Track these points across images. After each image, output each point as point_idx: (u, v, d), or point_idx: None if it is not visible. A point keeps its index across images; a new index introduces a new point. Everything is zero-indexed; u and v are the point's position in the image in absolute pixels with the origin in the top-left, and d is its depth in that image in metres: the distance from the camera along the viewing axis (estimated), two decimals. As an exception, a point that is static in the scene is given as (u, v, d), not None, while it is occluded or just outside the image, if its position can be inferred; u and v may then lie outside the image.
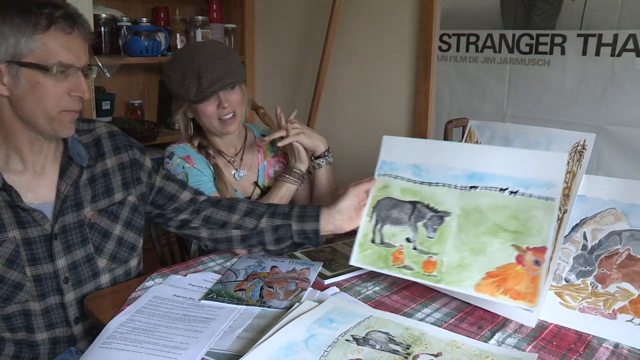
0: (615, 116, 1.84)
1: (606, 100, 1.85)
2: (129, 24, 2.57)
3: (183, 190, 1.44)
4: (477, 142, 1.40)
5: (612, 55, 1.82)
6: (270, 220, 1.37)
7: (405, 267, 1.23)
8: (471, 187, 1.20)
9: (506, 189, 1.17)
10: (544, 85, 1.98)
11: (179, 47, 2.73)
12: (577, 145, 1.26)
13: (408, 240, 1.25)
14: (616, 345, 1.08)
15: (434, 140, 1.34)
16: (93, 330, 1.22)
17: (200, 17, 2.74)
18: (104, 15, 2.47)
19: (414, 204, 1.26)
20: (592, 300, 1.13)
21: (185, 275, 1.33)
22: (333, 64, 2.57)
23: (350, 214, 1.32)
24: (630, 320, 1.09)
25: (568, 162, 1.24)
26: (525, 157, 1.18)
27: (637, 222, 1.15)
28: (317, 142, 1.62)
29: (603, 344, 1.08)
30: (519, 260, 1.13)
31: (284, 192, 1.60)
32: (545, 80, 1.97)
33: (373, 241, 1.29)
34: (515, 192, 1.16)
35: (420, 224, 1.24)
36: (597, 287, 1.14)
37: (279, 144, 1.58)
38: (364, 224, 1.32)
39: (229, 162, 1.67)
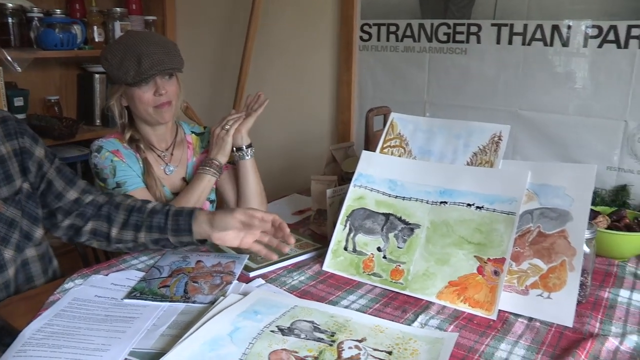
0: (528, 102, 1.93)
1: (520, 87, 1.93)
2: (41, 15, 2.44)
3: (70, 188, 1.36)
4: (399, 134, 1.44)
5: (524, 44, 1.89)
6: (149, 235, 1.33)
7: (374, 274, 1.30)
8: (441, 203, 1.30)
9: (473, 204, 1.26)
10: (462, 73, 2.04)
11: (96, 40, 2.64)
12: (494, 137, 1.33)
13: (379, 249, 1.33)
14: (530, 319, 1.13)
15: (410, 159, 1.41)
16: (4, 336, 1.15)
17: (118, 9, 2.65)
18: (10, 5, 2.33)
19: (387, 215, 1.35)
20: (508, 278, 1.19)
21: (107, 275, 1.30)
22: (256, 56, 2.56)
23: (228, 232, 1.28)
24: (540, 295, 1.15)
25: (486, 153, 1.31)
26: (491, 175, 1.28)
27: (547, 201, 1.22)
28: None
29: (519, 319, 1.13)
30: (480, 270, 1.20)
31: (206, 184, 1.59)
32: (463, 68, 2.03)
33: (346, 249, 1.36)
34: (481, 208, 1.25)
35: (391, 235, 1.32)
36: (511, 265, 1.20)
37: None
38: (338, 232, 1.38)
39: (159, 156, 1.65)
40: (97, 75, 2.75)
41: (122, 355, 0.98)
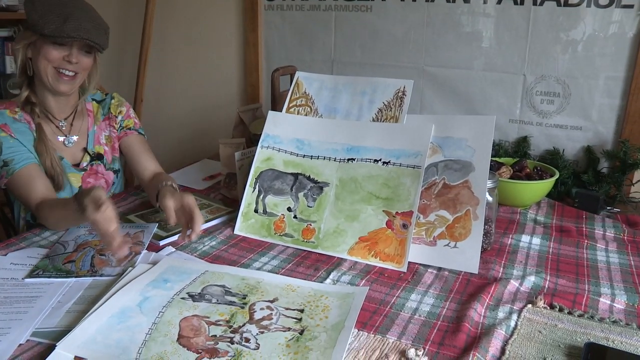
0: (434, 59, 1.96)
1: (425, 43, 1.96)
2: None
3: None
4: (305, 93, 1.43)
5: (427, 1, 1.91)
6: None
7: (286, 234, 1.30)
8: (349, 160, 1.31)
9: (379, 160, 1.28)
10: (368, 30, 2.04)
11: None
12: (398, 92, 1.34)
13: (289, 209, 1.32)
14: (439, 269, 1.17)
15: (316, 118, 1.40)
16: None
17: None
18: None
19: (296, 175, 1.34)
20: (416, 230, 1.22)
21: (5, 255, 1.22)
22: (159, 20, 2.45)
23: None
24: (447, 245, 1.19)
25: (390, 108, 1.32)
26: (396, 130, 1.29)
27: (451, 153, 1.25)
28: None
29: (428, 270, 1.17)
30: (389, 225, 1.22)
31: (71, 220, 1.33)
32: (369, 26, 2.03)
33: (256, 211, 1.35)
34: (388, 163, 1.27)
35: (301, 194, 1.32)
36: (419, 217, 1.23)
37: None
38: (248, 194, 1.36)
39: (57, 127, 1.55)
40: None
41: (24, 337, 0.93)
